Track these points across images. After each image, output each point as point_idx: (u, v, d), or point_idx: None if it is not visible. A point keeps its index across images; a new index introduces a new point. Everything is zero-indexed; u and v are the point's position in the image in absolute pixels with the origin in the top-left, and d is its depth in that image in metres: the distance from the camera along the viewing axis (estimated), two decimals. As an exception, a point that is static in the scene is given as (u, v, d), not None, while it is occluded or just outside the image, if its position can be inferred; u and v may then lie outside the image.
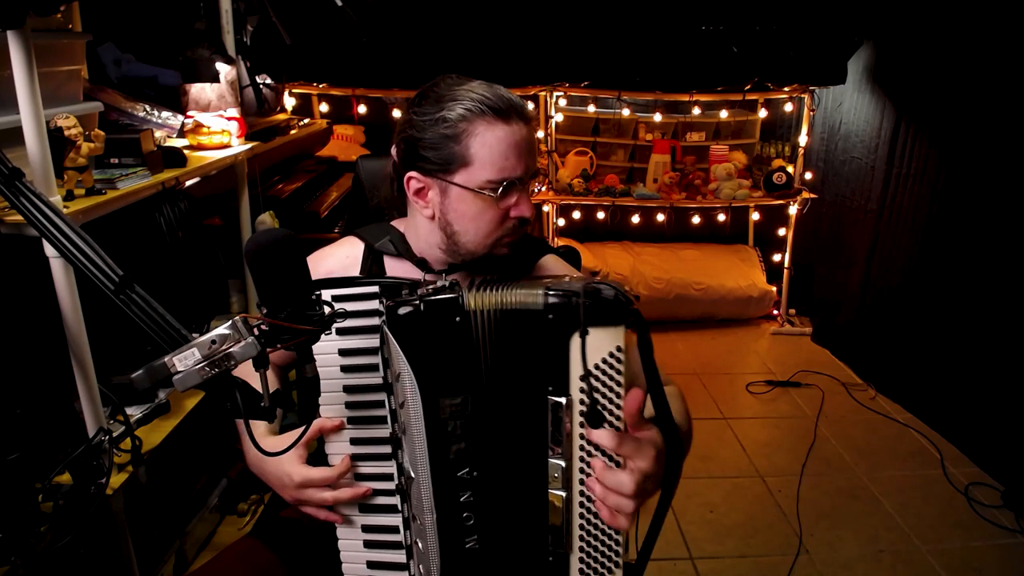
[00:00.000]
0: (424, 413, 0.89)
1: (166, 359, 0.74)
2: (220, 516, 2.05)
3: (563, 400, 0.84)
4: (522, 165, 1.03)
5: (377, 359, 0.97)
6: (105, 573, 1.41)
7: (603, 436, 0.82)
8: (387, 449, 0.99)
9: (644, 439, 0.83)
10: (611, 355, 0.81)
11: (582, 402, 0.84)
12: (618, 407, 0.83)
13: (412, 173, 1.07)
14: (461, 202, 1.04)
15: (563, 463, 0.87)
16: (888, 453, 2.74)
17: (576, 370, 0.83)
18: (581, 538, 0.89)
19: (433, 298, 0.87)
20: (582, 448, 0.86)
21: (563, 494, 0.87)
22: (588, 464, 0.86)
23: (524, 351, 0.86)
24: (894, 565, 2.15)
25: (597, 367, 0.82)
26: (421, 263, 1.14)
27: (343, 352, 0.99)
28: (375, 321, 0.95)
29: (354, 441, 1.01)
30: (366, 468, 1.01)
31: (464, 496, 0.91)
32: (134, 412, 1.48)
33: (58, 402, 1.33)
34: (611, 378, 0.82)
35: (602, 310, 0.80)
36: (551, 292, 0.83)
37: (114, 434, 1.30)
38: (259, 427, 1.09)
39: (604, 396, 0.83)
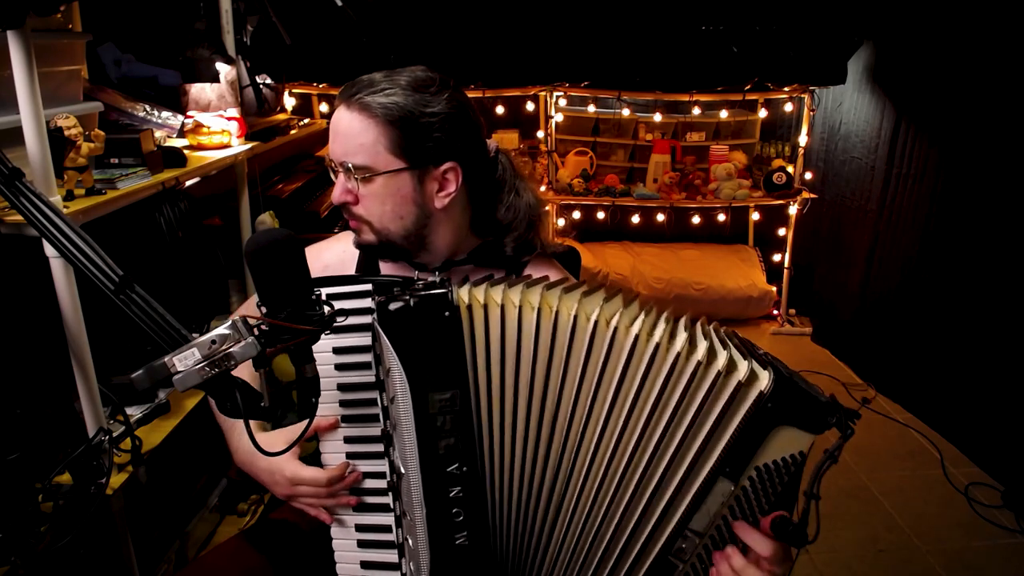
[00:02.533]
0: (414, 408, 0.89)
1: (166, 359, 0.74)
2: (220, 516, 2.05)
3: (733, 487, 0.82)
4: (332, 145, 1.06)
5: (370, 357, 0.98)
6: (105, 573, 1.41)
7: (774, 549, 0.79)
8: (380, 447, 1.00)
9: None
10: (792, 457, 0.80)
11: (744, 489, 0.82)
12: (772, 508, 0.82)
13: None
14: None
15: (697, 539, 0.85)
16: (888, 453, 2.74)
17: (761, 459, 0.81)
18: None
19: (423, 294, 0.87)
20: (719, 530, 0.84)
21: (680, 566, 0.87)
22: (711, 548, 0.85)
23: (675, 403, 0.82)
24: (894, 565, 2.15)
25: (777, 464, 0.80)
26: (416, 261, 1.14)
27: (337, 350, 0.99)
28: (368, 319, 0.95)
29: (348, 440, 1.01)
30: (359, 466, 1.02)
31: (454, 492, 0.91)
32: (134, 412, 1.48)
33: (58, 402, 1.33)
34: (784, 480, 0.81)
35: (821, 417, 0.78)
36: (784, 378, 0.78)
37: (114, 434, 1.30)
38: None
39: (769, 495, 0.81)
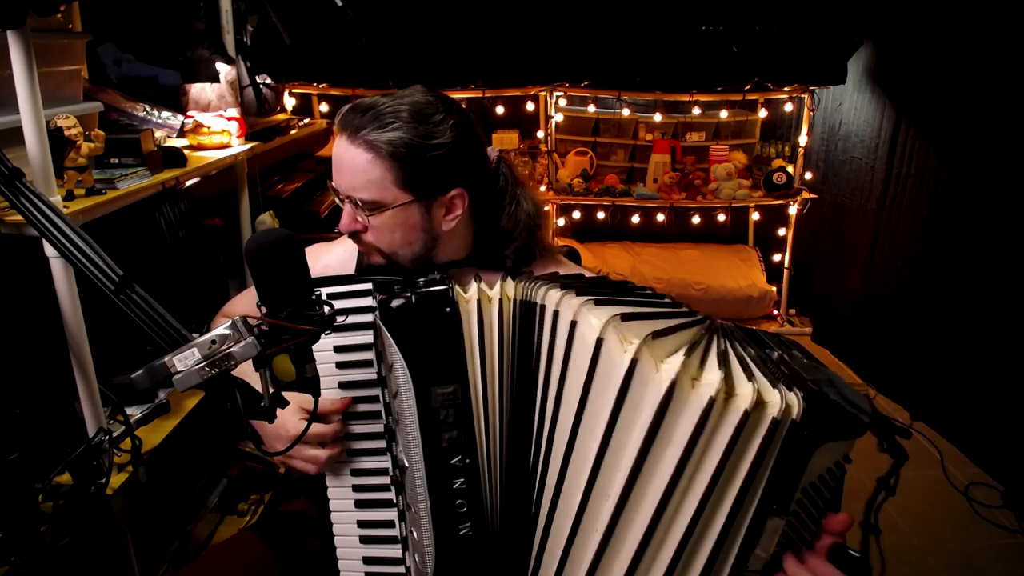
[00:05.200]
0: (417, 402, 0.90)
1: (166, 359, 0.74)
2: (220, 516, 2.05)
3: (783, 520, 0.74)
4: (338, 177, 1.05)
5: (371, 355, 0.99)
6: (105, 573, 1.41)
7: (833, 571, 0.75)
8: (382, 444, 1.01)
9: None
10: (835, 466, 0.75)
11: (794, 513, 0.76)
12: (817, 524, 0.78)
13: None
14: None
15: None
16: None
17: (805, 482, 0.74)
18: None
19: (424, 290, 0.89)
20: (776, 557, 0.77)
21: None
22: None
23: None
24: (894, 565, 2.15)
25: (823, 478, 0.76)
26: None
27: (338, 349, 1.00)
28: (369, 317, 0.96)
29: (349, 437, 1.02)
30: (361, 463, 1.02)
31: (457, 483, 0.92)
32: (134, 412, 1.48)
33: (58, 402, 1.33)
34: (828, 491, 0.77)
35: (859, 424, 0.72)
36: (815, 398, 0.70)
37: (114, 434, 1.30)
38: None
39: (820, 509, 0.77)
